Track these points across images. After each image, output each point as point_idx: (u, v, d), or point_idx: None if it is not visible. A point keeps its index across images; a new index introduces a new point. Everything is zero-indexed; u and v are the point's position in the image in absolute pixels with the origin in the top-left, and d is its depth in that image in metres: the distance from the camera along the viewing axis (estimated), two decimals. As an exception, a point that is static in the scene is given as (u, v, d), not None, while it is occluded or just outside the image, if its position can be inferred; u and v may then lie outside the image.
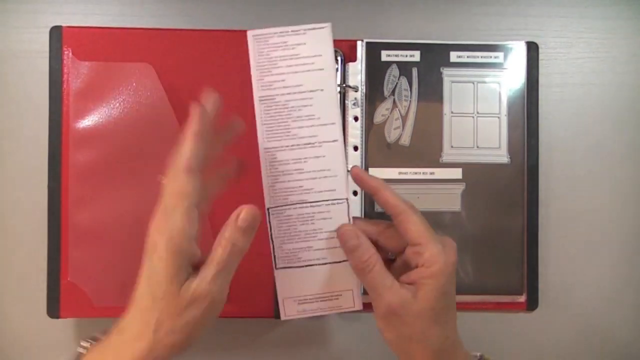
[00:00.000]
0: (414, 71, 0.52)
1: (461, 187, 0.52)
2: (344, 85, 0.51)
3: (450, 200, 0.52)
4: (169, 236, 0.34)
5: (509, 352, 0.54)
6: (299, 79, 0.39)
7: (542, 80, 0.54)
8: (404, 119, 0.52)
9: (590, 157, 0.55)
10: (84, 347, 0.43)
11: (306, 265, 0.40)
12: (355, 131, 0.52)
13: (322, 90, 0.39)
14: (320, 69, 0.40)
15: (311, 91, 0.39)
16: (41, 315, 0.49)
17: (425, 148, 0.52)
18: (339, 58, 0.51)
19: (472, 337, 0.54)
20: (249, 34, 0.39)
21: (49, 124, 0.50)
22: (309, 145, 0.39)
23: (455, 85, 0.52)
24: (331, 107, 0.40)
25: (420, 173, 0.52)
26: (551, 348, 0.54)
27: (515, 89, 0.53)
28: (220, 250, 0.35)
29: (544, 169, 0.54)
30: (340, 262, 0.40)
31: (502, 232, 0.52)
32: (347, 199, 0.40)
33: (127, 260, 0.49)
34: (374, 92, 0.52)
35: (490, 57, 0.53)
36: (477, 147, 0.52)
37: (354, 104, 0.52)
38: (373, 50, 0.52)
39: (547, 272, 0.54)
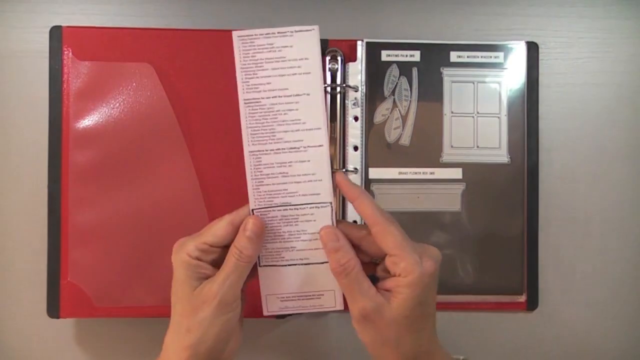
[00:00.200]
0: (414, 71, 0.52)
1: (461, 187, 0.52)
2: (344, 85, 0.51)
3: (450, 200, 0.52)
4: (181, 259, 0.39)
5: (509, 352, 0.54)
6: (285, 82, 0.39)
7: (542, 80, 0.54)
8: (404, 119, 0.52)
9: (590, 157, 0.55)
10: None
11: (289, 265, 0.41)
12: (355, 131, 0.52)
13: (308, 94, 0.39)
14: (307, 73, 0.39)
15: (297, 95, 0.39)
16: (41, 315, 0.49)
17: (425, 148, 0.52)
18: (339, 58, 0.51)
19: (472, 337, 0.54)
20: (234, 34, 0.39)
21: (49, 124, 0.50)
22: (294, 150, 0.39)
23: (455, 85, 0.52)
24: (317, 112, 0.39)
25: (420, 173, 0.52)
26: (551, 348, 0.54)
27: (515, 89, 0.53)
28: (229, 257, 0.38)
29: (544, 169, 0.54)
30: (322, 263, 0.40)
31: (502, 232, 0.52)
32: (331, 203, 0.40)
33: (127, 260, 0.49)
34: (374, 92, 0.52)
35: (490, 57, 0.53)
36: (477, 147, 0.52)
37: (354, 104, 0.52)
38: (373, 50, 0.52)
39: (547, 272, 0.54)
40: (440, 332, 0.40)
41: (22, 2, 0.53)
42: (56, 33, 0.50)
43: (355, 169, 0.52)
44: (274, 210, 0.40)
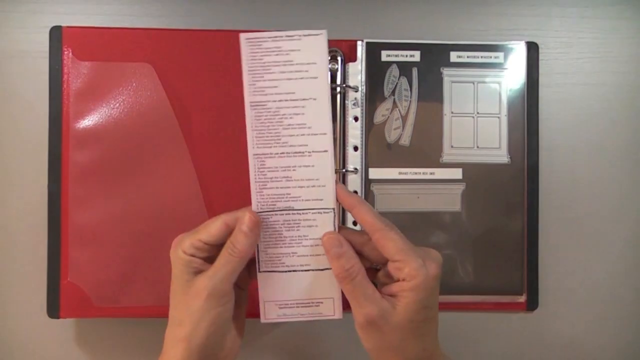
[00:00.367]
0: (414, 71, 0.52)
1: (461, 187, 0.52)
2: (344, 85, 0.51)
3: (450, 200, 0.52)
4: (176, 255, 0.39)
5: (509, 352, 0.54)
6: (292, 86, 0.39)
7: (542, 80, 0.54)
8: (404, 119, 0.52)
9: (591, 157, 0.55)
10: None
11: (289, 271, 0.40)
12: (355, 131, 0.52)
13: (315, 99, 0.39)
14: (314, 77, 0.39)
15: (304, 99, 0.39)
16: (41, 315, 0.49)
17: (425, 148, 0.52)
18: (339, 58, 0.51)
19: (472, 337, 0.54)
20: (242, 37, 0.38)
21: (49, 124, 0.50)
22: (299, 154, 0.39)
23: (455, 85, 0.52)
24: (323, 117, 0.39)
25: (420, 173, 0.52)
26: (551, 348, 0.54)
27: (515, 89, 0.53)
28: (223, 251, 0.38)
29: (544, 169, 0.54)
30: (323, 269, 0.40)
31: (502, 232, 0.52)
32: (334, 209, 0.40)
33: (127, 260, 0.49)
34: (374, 92, 0.52)
35: (490, 57, 0.53)
36: (477, 147, 0.52)
37: (354, 104, 0.52)
38: (373, 50, 0.52)
39: (547, 272, 0.54)
40: (440, 332, 0.40)
41: (22, 2, 0.53)
42: (56, 33, 0.50)
43: (355, 169, 0.52)
44: (276, 214, 0.40)
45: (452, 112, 0.52)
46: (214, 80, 0.50)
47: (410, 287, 0.36)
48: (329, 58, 0.51)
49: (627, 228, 0.55)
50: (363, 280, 0.38)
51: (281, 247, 0.40)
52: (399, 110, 0.52)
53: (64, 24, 0.50)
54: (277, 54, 0.38)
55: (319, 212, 0.40)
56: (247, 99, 0.39)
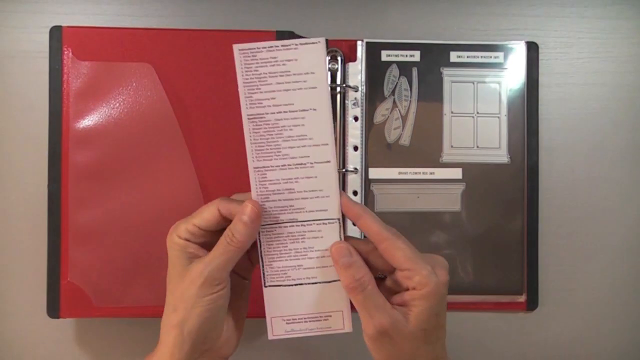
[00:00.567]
0: (414, 71, 0.52)
1: (461, 187, 0.52)
2: (344, 85, 0.52)
3: (450, 200, 0.52)
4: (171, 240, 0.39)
5: (509, 352, 0.54)
6: (290, 97, 0.37)
7: (542, 80, 0.54)
8: (404, 119, 0.52)
9: (590, 157, 0.55)
10: None
11: (296, 284, 0.39)
12: (355, 131, 0.52)
13: (315, 109, 0.38)
14: (313, 87, 0.37)
15: (303, 110, 0.38)
16: (41, 315, 0.49)
17: (425, 148, 0.52)
18: (339, 58, 0.51)
19: (472, 337, 0.54)
20: (235, 48, 0.37)
21: (49, 124, 0.50)
22: (301, 166, 0.38)
23: (455, 85, 0.52)
24: (324, 128, 0.38)
25: (420, 173, 0.52)
26: (551, 348, 0.54)
27: (515, 89, 0.53)
28: (222, 239, 0.37)
29: (544, 169, 0.54)
30: (330, 282, 0.39)
31: (502, 232, 0.52)
32: (339, 219, 0.39)
33: (127, 261, 0.49)
34: (374, 92, 0.52)
35: (490, 57, 0.53)
36: (477, 147, 0.52)
37: (354, 104, 0.52)
38: (373, 50, 0.52)
39: (547, 272, 0.54)
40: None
41: (22, 2, 0.53)
42: (56, 33, 0.50)
43: (355, 169, 0.52)
44: (280, 227, 0.39)
45: (452, 112, 0.52)
46: (214, 80, 0.50)
47: (422, 295, 0.36)
48: (329, 58, 0.51)
49: (627, 228, 0.55)
50: (374, 290, 0.37)
51: (286, 260, 0.39)
52: (399, 110, 0.52)
53: (64, 24, 0.50)
54: (273, 65, 0.37)
55: (323, 223, 0.39)
56: (244, 112, 0.38)
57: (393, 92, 0.52)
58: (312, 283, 0.39)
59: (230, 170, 0.50)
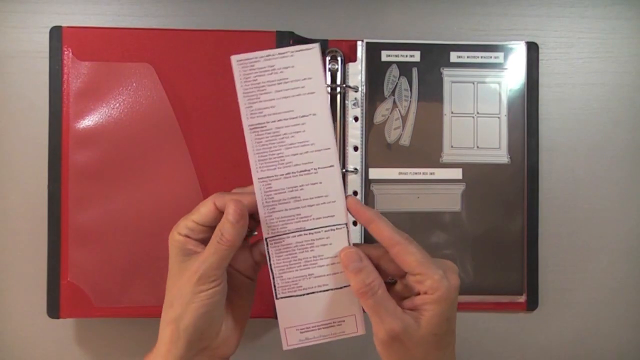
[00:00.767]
0: (414, 71, 0.52)
1: (461, 187, 0.52)
2: (344, 85, 0.52)
3: (450, 200, 0.52)
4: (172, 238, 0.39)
5: (509, 352, 0.54)
6: (289, 104, 0.38)
7: (542, 80, 0.54)
8: (404, 119, 0.52)
9: (590, 157, 0.55)
10: None
11: (307, 294, 0.39)
12: (355, 131, 0.52)
13: (314, 114, 0.38)
14: (312, 93, 0.38)
15: (303, 116, 0.38)
16: (41, 315, 0.49)
17: (425, 148, 0.52)
18: (339, 58, 0.51)
19: (472, 337, 0.54)
20: (233, 59, 0.37)
21: (49, 124, 0.50)
22: (305, 173, 0.38)
23: (455, 85, 0.52)
24: (325, 132, 0.38)
25: (420, 173, 0.52)
26: (551, 348, 0.54)
27: (515, 89, 0.53)
28: (212, 238, 0.38)
29: (544, 169, 0.54)
30: (341, 287, 0.39)
31: (502, 232, 0.52)
32: (346, 224, 0.39)
33: (127, 261, 0.49)
34: (374, 92, 0.52)
35: (490, 57, 0.53)
36: (477, 147, 0.52)
37: (354, 104, 0.52)
38: (373, 50, 0.52)
39: (547, 272, 0.54)
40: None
41: (22, 2, 0.53)
42: (56, 33, 0.50)
43: (355, 169, 0.52)
44: (288, 237, 0.39)
45: (452, 112, 0.52)
46: (214, 80, 0.50)
47: (433, 300, 0.36)
48: (329, 58, 0.51)
49: (627, 228, 0.55)
50: (384, 294, 0.37)
51: (297, 270, 0.39)
52: (399, 110, 0.52)
53: (64, 24, 0.50)
54: (270, 73, 0.37)
55: (331, 229, 0.39)
56: (245, 122, 0.38)
57: (393, 92, 0.52)
58: (324, 290, 0.39)
59: (230, 170, 0.50)
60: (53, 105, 0.50)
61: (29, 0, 0.53)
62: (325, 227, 0.39)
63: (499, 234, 0.52)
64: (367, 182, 0.52)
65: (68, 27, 0.50)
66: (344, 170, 0.51)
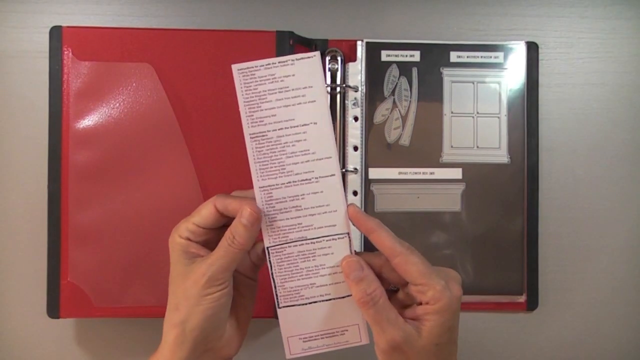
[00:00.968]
0: (414, 71, 0.52)
1: (461, 187, 0.52)
2: (344, 85, 0.52)
3: (450, 200, 0.52)
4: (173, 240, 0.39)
5: (509, 352, 0.54)
6: (290, 113, 0.38)
7: (542, 80, 0.54)
8: (404, 119, 0.52)
9: (590, 157, 0.55)
10: None
11: (310, 303, 0.39)
12: (355, 131, 0.52)
13: (315, 123, 0.38)
14: (312, 101, 0.38)
15: (304, 125, 0.38)
16: (41, 315, 0.49)
17: (425, 148, 0.52)
18: (339, 58, 0.51)
19: (472, 337, 0.54)
20: (234, 68, 0.37)
21: (49, 124, 0.50)
22: (306, 182, 0.38)
23: (455, 85, 0.52)
24: (326, 141, 0.38)
25: (420, 173, 0.52)
26: (551, 348, 0.54)
27: (515, 89, 0.53)
28: (223, 240, 0.38)
29: (544, 169, 0.54)
30: (344, 297, 0.39)
31: (502, 232, 0.52)
32: (348, 234, 0.39)
33: (127, 261, 0.49)
34: (374, 92, 0.52)
35: (490, 57, 0.53)
36: (477, 147, 0.52)
37: (354, 104, 0.52)
38: (373, 50, 0.52)
39: (547, 272, 0.54)
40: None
41: (22, 2, 0.53)
42: (56, 33, 0.50)
43: (355, 169, 0.52)
44: (289, 247, 0.39)
45: (452, 112, 0.52)
46: (214, 80, 0.50)
47: (435, 310, 0.36)
48: (329, 57, 0.51)
49: (627, 228, 0.55)
50: (385, 304, 0.37)
51: (298, 279, 0.39)
52: (398, 110, 0.52)
53: (64, 24, 0.50)
54: (271, 82, 0.37)
55: (333, 239, 0.39)
56: (247, 131, 0.38)
57: (393, 92, 0.52)
58: (326, 300, 0.39)
59: (230, 170, 0.50)
60: (53, 105, 0.50)
61: (29, 0, 0.53)
62: (327, 236, 0.38)
63: (499, 234, 0.52)
64: (367, 182, 0.52)
65: (68, 27, 0.50)
66: (343, 170, 0.51)
